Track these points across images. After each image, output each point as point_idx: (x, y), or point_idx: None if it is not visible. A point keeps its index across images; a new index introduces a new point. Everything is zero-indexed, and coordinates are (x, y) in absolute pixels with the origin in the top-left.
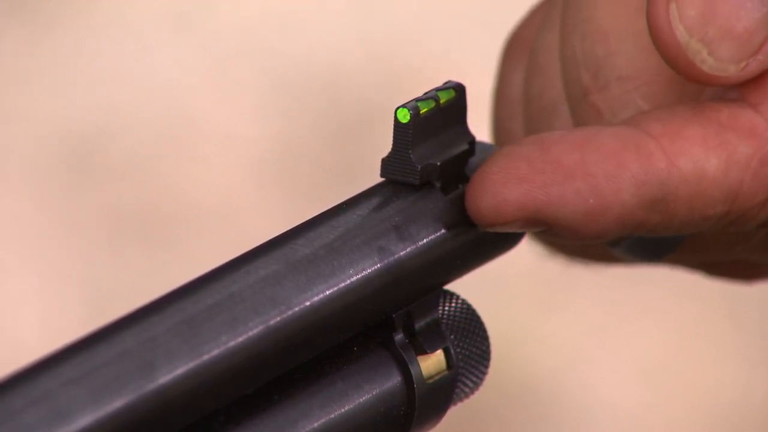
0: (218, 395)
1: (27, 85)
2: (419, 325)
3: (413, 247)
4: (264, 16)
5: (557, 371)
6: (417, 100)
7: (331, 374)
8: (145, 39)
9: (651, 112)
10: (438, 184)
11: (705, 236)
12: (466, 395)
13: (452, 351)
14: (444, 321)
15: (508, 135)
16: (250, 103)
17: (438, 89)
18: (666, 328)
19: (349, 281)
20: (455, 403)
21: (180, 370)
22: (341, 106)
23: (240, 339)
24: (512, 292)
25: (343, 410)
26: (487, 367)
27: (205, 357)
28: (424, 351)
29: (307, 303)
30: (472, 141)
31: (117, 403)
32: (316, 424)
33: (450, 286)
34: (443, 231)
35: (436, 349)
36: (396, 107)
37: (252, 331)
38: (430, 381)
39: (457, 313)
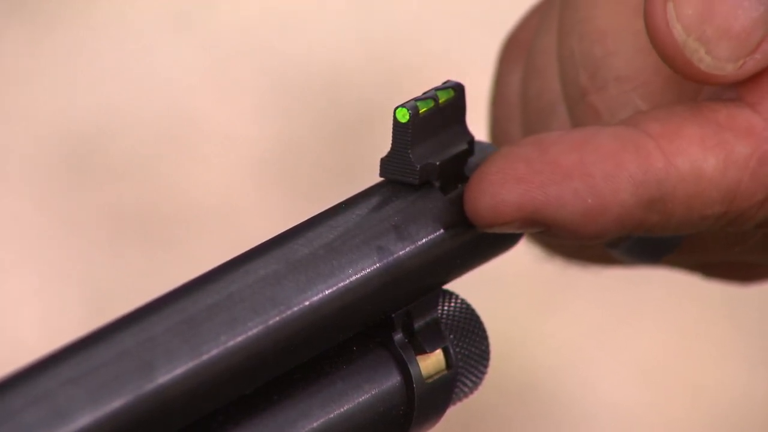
0: (217, 395)
1: (27, 85)
2: (418, 324)
3: (412, 246)
4: (264, 16)
5: (557, 371)
6: (416, 99)
7: (330, 374)
8: (145, 39)
9: (649, 112)
10: (437, 184)
11: (703, 237)
12: (466, 395)
13: (451, 351)
14: (443, 321)
15: (506, 136)
16: (250, 103)
17: (437, 89)
18: (666, 329)
19: (348, 281)
20: (454, 403)
21: (179, 370)
22: (341, 106)
23: (239, 339)
24: (512, 291)
25: (342, 410)
26: (486, 366)
27: (205, 357)
28: (423, 351)
29: (307, 303)
30: (471, 141)
31: (116, 403)
32: (315, 424)
33: (450, 286)
34: (442, 231)
35: (436, 349)
36: (395, 107)
37: (251, 331)
38: (430, 381)
39: (457, 313)
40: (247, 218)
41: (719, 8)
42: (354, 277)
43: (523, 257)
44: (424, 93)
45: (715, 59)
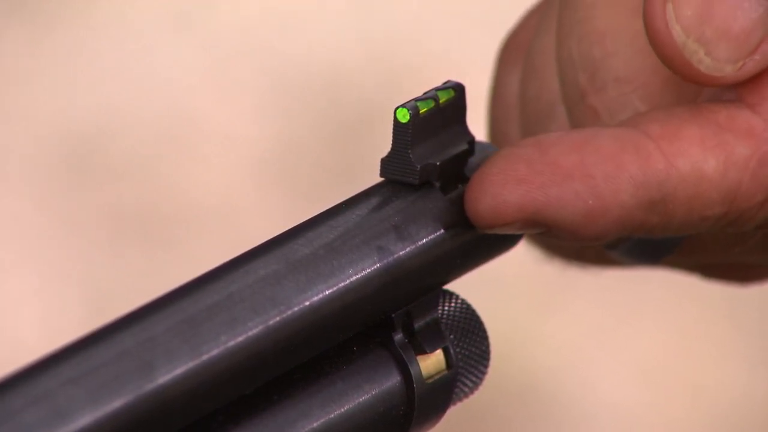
0: (217, 395)
1: (27, 85)
2: (419, 324)
3: (412, 246)
4: (264, 16)
5: (557, 371)
6: (416, 99)
7: (330, 374)
8: (145, 39)
9: (649, 113)
10: (437, 184)
11: (702, 238)
12: (466, 395)
13: (452, 351)
14: (443, 321)
15: (504, 138)
16: (250, 103)
17: (437, 89)
18: (666, 329)
19: (348, 281)
20: (455, 403)
21: (179, 370)
22: (341, 106)
23: (239, 339)
24: (512, 292)
25: (342, 410)
26: (486, 366)
27: (205, 357)
28: (423, 351)
29: (307, 303)
30: (471, 141)
31: (116, 403)
32: (315, 424)
33: (450, 286)
34: (442, 231)
35: (436, 349)
36: (395, 107)
37: (251, 331)
38: (430, 381)
39: (457, 313)
40: (247, 218)
41: (718, 9)
42: (354, 277)
43: (523, 258)
44: (425, 93)
45: (715, 60)
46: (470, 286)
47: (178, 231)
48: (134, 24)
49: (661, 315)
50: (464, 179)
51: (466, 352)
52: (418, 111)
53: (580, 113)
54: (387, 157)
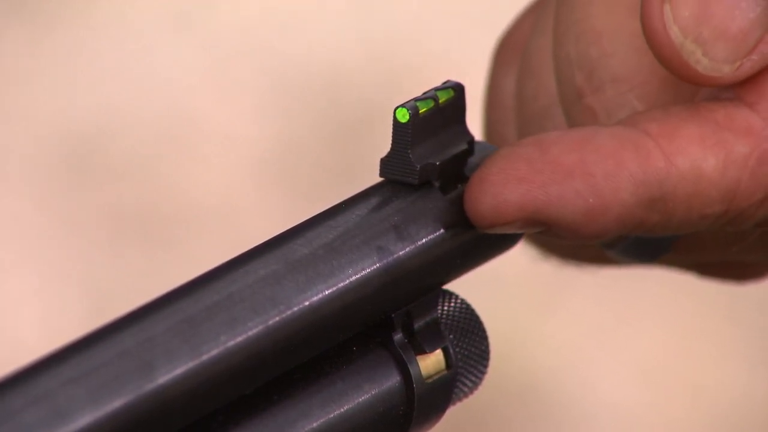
0: (217, 395)
1: (27, 85)
2: (418, 324)
3: (412, 246)
4: (264, 16)
5: (557, 371)
6: (416, 99)
7: (330, 374)
8: (145, 39)
9: (648, 112)
10: (437, 184)
11: (701, 236)
12: (465, 395)
13: (451, 351)
14: (443, 321)
15: (501, 139)
16: (250, 103)
17: (437, 89)
18: (666, 328)
19: (348, 281)
20: (454, 403)
21: (179, 370)
22: (341, 106)
23: (239, 339)
24: (511, 291)
25: (342, 410)
26: (486, 366)
27: (204, 357)
28: (423, 351)
29: (307, 303)
30: (471, 140)
31: (116, 403)
32: (315, 424)
33: (449, 286)
34: (442, 231)
35: (435, 349)
36: (395, 107)
37: (251, 331)
38: (429, 381)
39: (457, 313)
40: (247, 218)
41: (716, 10)
42: (354, 277)
43: (522, 257)
44: (424, 93)
45: (712, 61)
46: (470, 286)
47: (178, 231)
48: (134, 24)
49: (662, 315)
50: (464, 179)
51: (466, 352)
52: (418, 111)
53: (578, 113)
54: (386, 157)
